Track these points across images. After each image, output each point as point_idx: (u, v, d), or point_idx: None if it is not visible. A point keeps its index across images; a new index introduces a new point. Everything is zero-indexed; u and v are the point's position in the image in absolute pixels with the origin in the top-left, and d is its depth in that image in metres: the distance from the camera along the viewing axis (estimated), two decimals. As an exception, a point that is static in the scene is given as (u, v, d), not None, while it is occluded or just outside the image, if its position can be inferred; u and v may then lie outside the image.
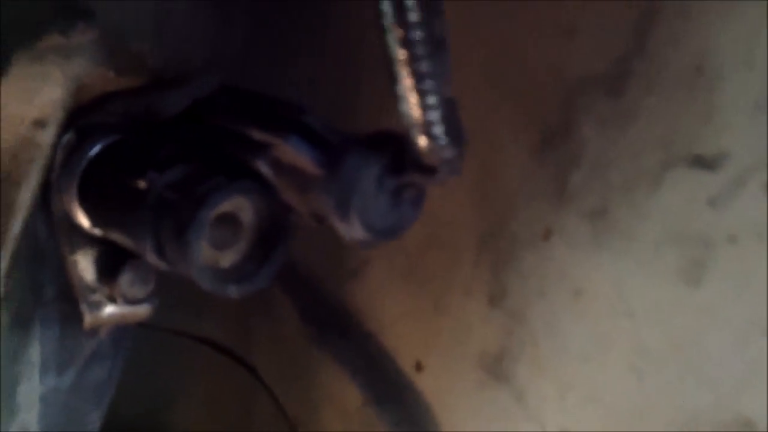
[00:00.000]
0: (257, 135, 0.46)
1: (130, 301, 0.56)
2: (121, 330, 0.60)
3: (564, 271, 0.46)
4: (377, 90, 0.59)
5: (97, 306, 0.56)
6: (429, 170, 0.41)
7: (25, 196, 0.49)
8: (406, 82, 0.38)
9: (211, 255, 0.48)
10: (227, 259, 0.49)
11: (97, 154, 0.53)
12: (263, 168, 0.46)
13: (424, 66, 0.38)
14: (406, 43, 0.37)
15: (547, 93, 0.48)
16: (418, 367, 0.58)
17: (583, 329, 0.45)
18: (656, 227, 0.42)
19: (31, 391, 0.57)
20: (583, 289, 0.45)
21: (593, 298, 0.45)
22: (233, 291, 0.48)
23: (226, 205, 0.47)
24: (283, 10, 0.63)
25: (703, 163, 0.40)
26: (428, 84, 0.38)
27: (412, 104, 0.39)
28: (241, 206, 0.48)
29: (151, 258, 0.49)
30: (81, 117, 0.52)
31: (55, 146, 0.51)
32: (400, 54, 0.37)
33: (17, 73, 0.44)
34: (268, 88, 0.51)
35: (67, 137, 0.51)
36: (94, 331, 0.59)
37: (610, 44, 0.45)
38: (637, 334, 0.43)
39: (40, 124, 0.47)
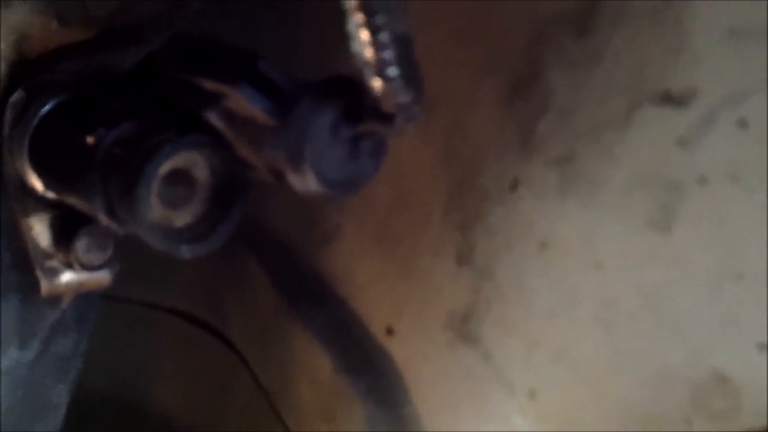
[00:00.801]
0: (208, 84, 0.44)
1: (88, 268, 0.54)
2: (85, 300, 0.58)
3: (530, 223, 0.44)
4: (316, 25, 0.57)
5: (53, 273, 0.54)
6: (385, 117, 0.39)
7: (-30, 157, 0.47)
8: (356, 17, 0.36)
9: (163, 214, 0.46)
10: (181, 218, 0.47)
11: (48, 113, 0.51)
12: (215, 120, 0.44)
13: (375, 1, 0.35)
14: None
15: (514, 38, 0.46)
16: (389, 331, 0.56)
17: (549, 283, 0.43)
18: (624, 172, 0.40)
19: (-9, 365, 0.56)
20: (549, 241, 0.43)
21: (560, 250, 0.43)
22: (186, 251, 0.46)
23: (178, 160, 0.45)
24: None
25: (672, 100, 0.38)
26: (380, 19, 0.36)
27: (363, 42, 0.36)
28: (195, 162, 0.46)
29: (104, 219, 0.47)
30: (30, 75, 0.50)
31: (2, 105, 0.49)
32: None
33: (-48, 22, 0.42)
34: (238, 40, 0.49)
35: (16, 96, 0.50)
36: (54, 300, 0.57)
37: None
38: (605, 287, 0.41)
39: (-20, 76, 0.45)
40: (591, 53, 0.41)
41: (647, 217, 0.39)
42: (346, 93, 0.41)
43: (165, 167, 0.44)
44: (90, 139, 0.47)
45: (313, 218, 0.65)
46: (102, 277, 0.55)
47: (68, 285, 0.55)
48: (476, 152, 0.49)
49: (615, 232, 0.40)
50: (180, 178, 0.46)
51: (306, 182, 0.41)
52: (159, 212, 0.46)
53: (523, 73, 0.46)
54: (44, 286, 0.54)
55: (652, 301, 0.40)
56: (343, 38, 0.37)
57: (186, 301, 0.78)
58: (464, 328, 0.48)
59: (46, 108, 0.51)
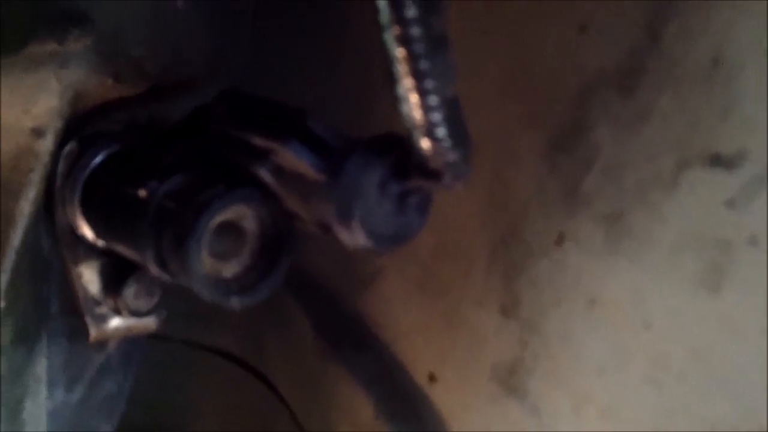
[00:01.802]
0: (258, 141, 0.45)
1: (136, 314, 0.55)
2: (131, 342, 0.59)
3: (578, 279, 0.44)
4: (365, 85, 0.58)
5: (102, 319, 0.55)
6: (434, 174, 0.40)
7: (25, 206, 0.48)
8: (406, 81, 0.37)
9: (212, 265, 0.47)
10: (229, 269, 0.48)
11: (100, 164, 0.52)
12: (265, 175, 0.45)
13: (424, 64, 0.36)
14: (405, 40, 0.35)
15: (559, 93, 0.46)
16: (432, 378, 0.56)
17: (599, 340, 0.43)
18: (673, 231, 0.40)
19: (38, 407, 0.56)
20: (598, 297, 0.43)
21: (609, 306, 0.43)
22: (235, 302, 0.47)
23: (227, 214, 0.46)
24: (292, 16, 0.62)
25: (721, 162, 0.38)
26: (429, 83, 0.36)
27: (413, 105, 0.37)
28: (244, 215, 0.47)
29: (153, 269, 0.48)
30: (82, 126, 0.51)
31: (56, 156, 0.50)
32: (399, 52, 0.36)
33: (12, 82, 0.43)
34: (279, 94, 0.50)
35: (69, 147, 0.51)
36: (101, 344, 0.58)
37: (622, 41, 0.43)
38: (655, 344, 0.41)
39: (38, 133, 0.46)
40: (638, 112, 0.41)
41: (697, 276, 0.39)
42: (394, 150, 0.41)
43: (215, 221, 0.45)
44: (142, 192, 0.48)
45: (355, 261, 0.65)
46: (149, 323, 0.56)
47: (116, 330, 0.56)
48: (520, 204, 0.49)
49: (664, 290, 0.40)
50: (229, 229, 0.47)
51: (354, 237, 0.42)
52: (208, 264, 0.46)
53: (567, 128, 0.46)
54: (93, 331, 0.55)
55: (703, 360, 0.39)
56: (393, 99, 0.38)
57: (228, 340, 0.78)
58: (510, 381, 0.48)
59: (98, 159, 0.52)
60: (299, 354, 0.71)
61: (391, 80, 0.37)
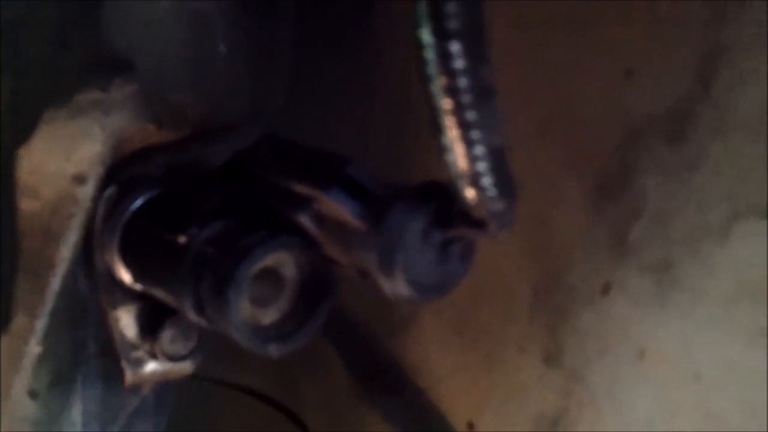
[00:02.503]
0: (299, 188, 0.45)
1: (172, 358, 0.55)
2: (165, 385, 0.59)
3: (625, 330, 0.43)
4: (427, 139, 0.58)
5: (138, 363, 0.55)
6: (478, 224, 0.39)
7: (65, 251, 0.48)
8: (452, 132, 0.36)
9: (251, 312, 0.46)
10: (268, 316, 0.47)
11: (139, 208, 0.52)
12: (305, 222, 0.45)
13: (471, 115, 0.36)
14: (452, 91, 0.35)
15: (603, 138, 0.46)
16: (470, 427, 0.55)
17: (647, 393, 0.42)
18: (725, 283, 0.39)
19: (73, 452, 0.56)
20: (646, 349, 0.42)
21: (658, 359, 0.42)
22: (273, 350, 0.46)
23: (267, 261, 0.45)
24: (328, 60, 0.62)
25: (776, 214, 0.37)
26: (475, 134, 0.36)
27: (458, 155, 0.37)
28: (283, 261, 0.46)
29: (191, 315, 0.48)
30: (122, 170, 0.51)
31: (96, 200, 0.50)
32: (446, 103, 0.35)
33: (56, 129, 0.43)
34: (314, 139, 0.50)
35: (109, 191, 0.51)
36: (136, 387, 0.57)
37: (670, 86, 0.42)
38: (706, 399, 0.40)
39: (79, 179, 0.46)
40: (687, 160, 0.41)
41: (750, 330, 0.38)
42: (437, 198, 0.41)
43: (256, 268, 0.45)
44: (182, 237, 0.47)
45: (391, 304, 0.64)
46: (185, 367, 0.56)
47: (152, 375, 0.56)
48: (563, 250, 0.48)
49: (716, 343, 0.39)
50: (267, 275, 0.47)
51: (397, 287, 0.41)
52: (247, 311, 0.46)
53: (612, 174, 0.45)
54: (129, 376, 0.55)
55: (757, 416, 0.38)
56: (438, 148, 0.37)
57: (259, 379, 0.78)
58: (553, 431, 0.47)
59: (137, 203, 0.52)
60: (333, 395, 0.71)
61: (436, 130, 0.36)
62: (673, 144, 0.42)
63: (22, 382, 0.50)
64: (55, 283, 0.49)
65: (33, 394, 0.52)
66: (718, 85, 0.40)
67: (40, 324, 0.49)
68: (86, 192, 0.47)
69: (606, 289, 0.44)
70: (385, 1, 0.61)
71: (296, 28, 0.54)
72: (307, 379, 0.74)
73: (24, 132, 0.32)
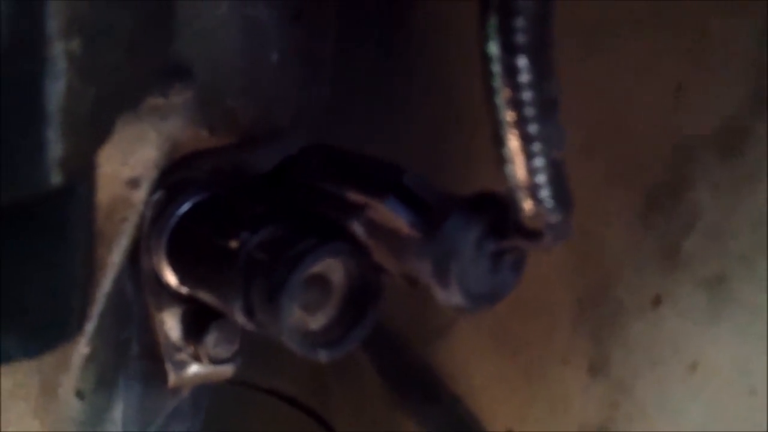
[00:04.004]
0: (352, 195, 0.45)
1: (215, 361, 0.55)
2: (201, 387, 0.59)
3: (676, 343, 0.43)
4: (464, 145, 0.58)
5: (182, 365, 0.55)
6: (534, 235, 0.39)
7: (117, 255, 0.49)
8: (514, 144, 0.37)
9: (300, 317, 0.47)
10: (316, 321, 0.47)
11: (187, 212, 0.52)
12: (357, 229, 0.45)
13: (534, 128, 0.36)
14: (516, 104, 0.35)
15: (653, 152, 0.46)
16: (511, 435, 0.55)
17: (699, 406, 0.42)
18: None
19: (113, 452, 0.57)
20: (699, 362, 0.42)
21: (711, 372, 0.42)
22: (323, 355, 0.47)
23: (318, 267, 0.46)
24: (369, 68, 0.63)
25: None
26: (537, 146, 0.36)
27: (518, 166, 0.37)
28: (332, 267, 0.47)
29: (240, 319, 0.48)
30: (171, 174, 0.51)
31: (146, 204, 0.50)
32: (509, 116, 0.36)
33: (114, 134, 0.44)
34: (355, 144, 0.50)
35: (157, 195, 0.51)
36: (177, 389, 0.58)
37: (722, 101, 0.43)
38: (760, 414, 0.40)
39: (133, 183, 0.47)
40: (742, 175, 0.41)
41: (806, 347, 0.38)
42: (492, 209, 0.41)
43: (307, 274, 0.45)
44: (233, 243, 0.48)
45: (427, 311, 0.65)
46: (227, 370, 0.56)
47: (195, 377, 0.56)
48: (611, 260, 0.49)
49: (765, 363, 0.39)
50: (316, 281, 0.47)
51: (450, 296, 0.42)
52: (296, 316, 0.46)
53: (663, 187, 0.45)
54: (172, 377, 0.55)
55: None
56: (496, 159, 0.38)
57: (290, 384, 0.78)
58: (600, 443, 0.47)
59: (185, 207, 0.52)
60: (365, 401, 0.71)
61: (498, 142, 0.37)
62: (727, 159, 0.42)
63: (70, 382, 0.51)
64: (107, 285, 0.49)
65: (80, 395, 0.52)
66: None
67: (90, 325, 0.50)
68: (140, 196, 0.48)
69: (656, 302, 0.44)
70: (424, 9, 0.61)
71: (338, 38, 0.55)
72: (338, 384, 0.74)
73: (99, 140, 0.32)
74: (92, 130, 0.30)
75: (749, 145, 0.41)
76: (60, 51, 0.27)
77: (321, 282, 0.47)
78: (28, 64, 0.27)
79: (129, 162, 0.46)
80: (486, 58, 0.34)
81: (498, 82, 0.35)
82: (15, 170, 0.28)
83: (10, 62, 0.27)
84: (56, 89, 0.28)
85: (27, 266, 0.34)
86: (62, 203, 0.33)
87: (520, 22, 0.34)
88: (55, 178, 0.29)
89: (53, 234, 0.34)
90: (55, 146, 0.28)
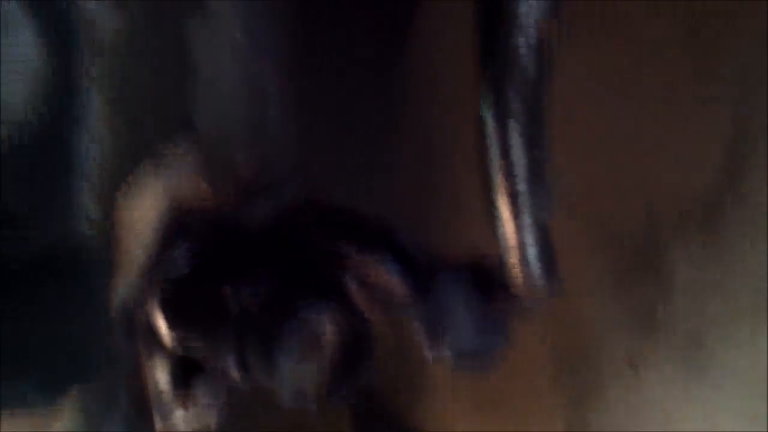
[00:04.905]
0: (346, 252, 0.47)
1: (202, 410, 0.55)
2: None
3: (652, 406, 0.44)
4: (454, 200, 0.60)
5: (168, 413, 0.56)
6: (519, 296, 0.41)
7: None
8: (503, 206, 0.39)
9: (292, 369, 0.48)
10: (309, 373, 0.48)
11: (181, 263, 0.53)
12: (350, 285, 0.47)
13: (523, 190, 0.38)
14: (509, 171, 0.38)
15: (630, 217, 0.48)
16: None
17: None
18: (757, 367, 0.41)
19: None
20: (676, 425, 0.44)
21: (687, 433, 0.43)
22: (315, 406, 0.48)
23: (313, 321, 0.47)
24: (363, 124, 0.65)
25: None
26: (525, 209, 0.39)
27: (506, 227, 0.39)
28: (325, 321, 0.48)
29: (233, 371, 0.49)
30: (168, 225, 0.52)
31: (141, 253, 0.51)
32: (500, 180, 0.38)
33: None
34: (347, 199, 0.52)
35: (153, 245, 0.52)
36: (161, 437, 0.58)
37: (698, 178, 0.45)
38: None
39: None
40: (717, 252, 0.43)
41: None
42: (480, 269, 0.43)
43: (302, 331, 0.46)
44: (226, 294, 0.49)
45: (406, 374, 0.65)
46: (211, 419, 0.57)
47: (180, 425, 0.56)
48: (588, 324, 0.50)
49: (746, 424, 0.41)
50: (309, 335, 0.48)
51: (439, 353, 0.43)
52: (292, 371, 0.47)
53: (639, 255, 0.47)
54: (159, 425, 0.56)
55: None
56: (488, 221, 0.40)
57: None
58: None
59: (180, 258, 0.53)
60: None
61: (489, 203, 0.39)
62: (703, 230, 0.44)
63: (60, 429, 0.51)
64: (101, 332, 0.50)
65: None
66: (746, 184, 0.42)
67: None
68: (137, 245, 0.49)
69: (633, 365, 0.46)
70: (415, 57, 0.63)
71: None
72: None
73: (119, 191, 0.34)
74: (115, 181, 0.31)
75: (724, 213, 0.43)
76: (92, 103, 0.29)
77: (313, 335, 0.48)
78: (62, 118, 0.29)
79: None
80: (482, 123, 0.37)
81: (491, 147, 0.37)
82: (49, 219, 0.29)
83: (44, 117, 0.28)
84: (86, 142, 0.29)
85: (50, 315, 0.34)
86: (83, 253, 0.34)
87: (512, 92, 0.36)
88: (83, 227, 0.30)
89: (75, 284, 0.35)
90: (84, 196, 0.29)
